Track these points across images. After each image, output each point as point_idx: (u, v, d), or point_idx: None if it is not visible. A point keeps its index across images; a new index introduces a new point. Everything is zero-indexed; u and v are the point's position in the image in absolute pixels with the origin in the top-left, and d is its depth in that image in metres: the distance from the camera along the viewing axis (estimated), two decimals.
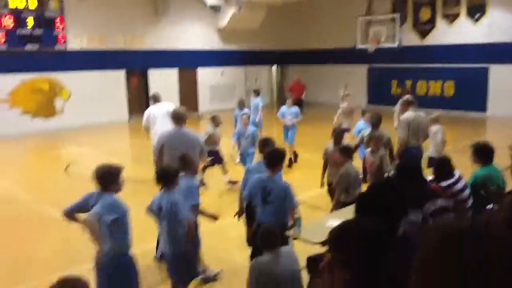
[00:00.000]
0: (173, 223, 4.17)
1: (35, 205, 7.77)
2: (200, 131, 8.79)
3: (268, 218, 4.33)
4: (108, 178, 3.84)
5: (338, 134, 6.60)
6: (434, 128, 7.61)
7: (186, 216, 4.20)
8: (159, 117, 8.09)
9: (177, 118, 5.55)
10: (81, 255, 5.64)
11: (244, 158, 8.53)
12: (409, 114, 6.98)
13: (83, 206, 3.89)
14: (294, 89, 17.79)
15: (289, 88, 18.44)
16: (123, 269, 3.84)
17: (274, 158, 4.54)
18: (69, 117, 16.16)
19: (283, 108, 10.52)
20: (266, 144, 5.24)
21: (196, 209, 4.52)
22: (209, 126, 8.59)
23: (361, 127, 8.20)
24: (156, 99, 8.65)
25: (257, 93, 12.33)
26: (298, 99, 16.51)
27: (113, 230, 3.73)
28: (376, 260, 1.56)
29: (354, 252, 1.53)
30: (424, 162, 6.87)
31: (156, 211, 4.25)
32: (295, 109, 10.37)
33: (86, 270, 5.14)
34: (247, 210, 4.83)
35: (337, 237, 1.62)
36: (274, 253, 3.41)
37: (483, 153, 4.75)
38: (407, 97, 7.88)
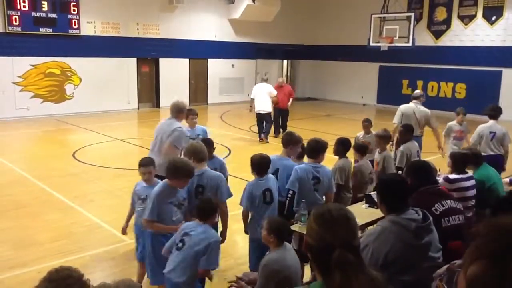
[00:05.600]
0: (274, 209, 4.26)
1: (42, 189, 7.84)
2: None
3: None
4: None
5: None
6: None
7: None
8: (257, 94, 12.13)
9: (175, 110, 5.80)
10: (83, 242, 5.70)
11: None
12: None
13: None
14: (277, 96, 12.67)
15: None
16: None
17: (321, 146, 4.66)
18: (78, 102, 16.25)
19: None
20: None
21: None
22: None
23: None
24: (264, 80, 12.70)
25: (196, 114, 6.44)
26: (281, 111, 12.76)
27: None
28: None
29: None
30: None
31: (259, 197, 4.24)
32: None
33: (88, 258, 5.23)
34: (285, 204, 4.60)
35: None
36: (283, 248, 3.25)
37: (473, 157, 4.94)
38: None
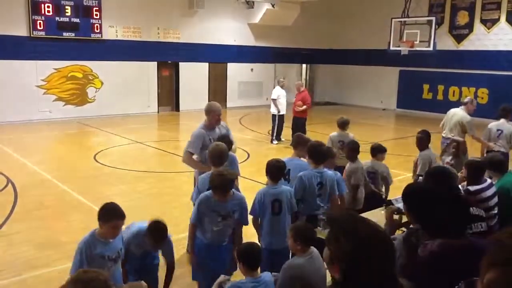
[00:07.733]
0: (283, 221, 4.26)
1: (64, 190, 7.99)
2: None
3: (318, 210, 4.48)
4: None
5: None
6: None
7: None
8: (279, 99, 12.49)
9: None
10: None
11: None
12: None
13: None
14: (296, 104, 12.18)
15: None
16: None
17: (321, 152, 4.68)
18: (100, 105, 16.51)
19: None
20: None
21: None
22: None
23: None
24: (279, 83, 12.73)
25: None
26: (298, 120, 12.06)
27: None
28: None
29: None
30: None
31: (268, 207, 4.23)
32: None
33: None
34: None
35: None
36: (309, 254, 3.23)
37: (496, 164, 4.82)
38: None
